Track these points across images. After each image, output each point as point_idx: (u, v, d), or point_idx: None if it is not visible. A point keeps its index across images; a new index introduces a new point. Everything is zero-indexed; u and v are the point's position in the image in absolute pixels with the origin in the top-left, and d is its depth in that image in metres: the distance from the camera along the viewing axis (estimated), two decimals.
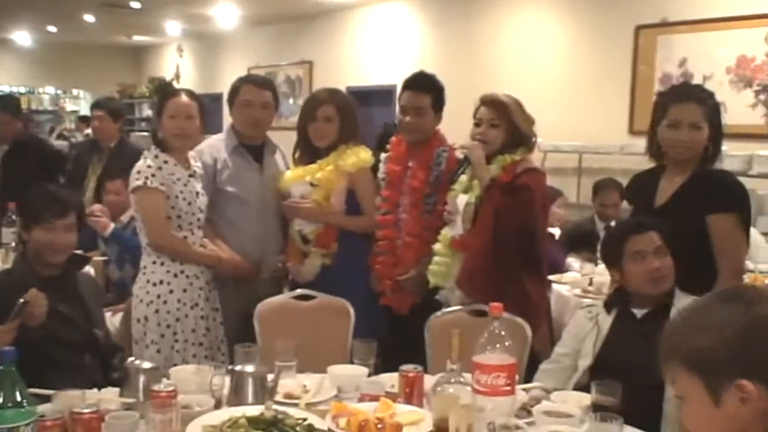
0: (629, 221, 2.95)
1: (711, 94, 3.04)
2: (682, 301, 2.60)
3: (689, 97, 2.92)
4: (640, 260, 2.67)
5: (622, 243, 2.73)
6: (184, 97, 3.37)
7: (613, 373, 2.33)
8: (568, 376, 2.68)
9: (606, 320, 2.71)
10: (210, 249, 3.45)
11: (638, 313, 2.68)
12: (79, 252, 3.16)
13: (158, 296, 3.28)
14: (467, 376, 2.10)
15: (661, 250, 2.66)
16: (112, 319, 3.85)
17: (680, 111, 2.89)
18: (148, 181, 3.23)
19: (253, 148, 3.69)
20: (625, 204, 4.52)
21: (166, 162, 3.30)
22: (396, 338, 3.33)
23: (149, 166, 3.27)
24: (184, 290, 3.31)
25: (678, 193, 2.93)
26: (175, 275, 3.31)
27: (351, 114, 3.63)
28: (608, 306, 2.76)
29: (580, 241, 5.15)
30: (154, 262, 3.32)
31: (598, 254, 4.87)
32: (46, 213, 2.86)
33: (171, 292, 3.29)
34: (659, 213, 2.92)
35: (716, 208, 2.82)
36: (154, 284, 3.29)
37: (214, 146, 3.65)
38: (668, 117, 2.91)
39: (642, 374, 2.50)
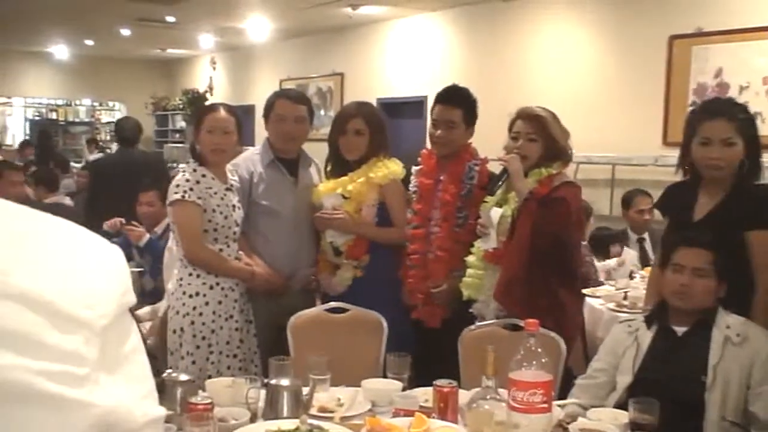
0: (687, 232, 2.87)
1: (743, 108, 3.00)
2: (725, 320, 2.56)
3: (719, 113, 2.88)
4: (677, 272, 2.64)
5: (672, 250, 2.71)
6: (222, 112, 3.41)
7: (651, 391, 2.31)
8: (605, 392, 2.64)
9: (646, 335, 2.66)
10: (244, 262, 3.48)
11: (679, 330, 2.62)
12: None
13: (194, 308, 3.31)
14: (503, 392, 2.09)
15: (701, 271, 2.61)
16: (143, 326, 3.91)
17: (710, 128, 2.85)
18: (186, 195, 3.27)
19: (288, 161, 3.72)
20: (657, 215, 4.48)
21: (203, 176, 3.34)
22: (428, 352, 3.33)
23: (187, 180, 3.31)
24: (219, 302, 3.34)
25: (717, 208, 2.89)
26: (211, 287, 3.34)
27: (380, 127, 3.65)
28: (649, 320, 2.71)
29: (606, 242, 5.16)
30: (191, 274, 3.35)
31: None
32: None
33: (206, 304, 3.32)
34: (697, 228, 2.89)
35: (756, 224, 2.78)
36: (190, 296, 3.32)
37: (250, 160, 3.68)
38: (699, 134, 2.88)
39: (682, 393, 2.46)
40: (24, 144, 13.39)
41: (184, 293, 3.34)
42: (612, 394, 2.61)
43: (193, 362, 3.27)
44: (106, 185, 6.04)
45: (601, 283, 4.66)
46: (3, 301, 0.62)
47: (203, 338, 3.30)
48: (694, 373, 2.49)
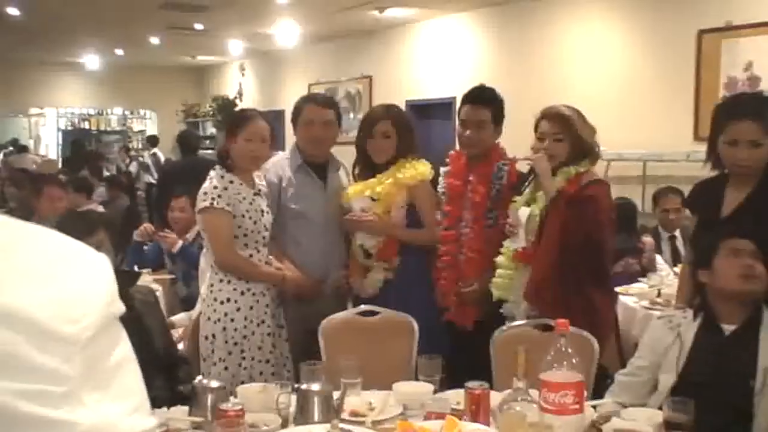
0: (727, 227, 2.78)
1: None
2: None
3: (746, 114, 2.80)
4: (734, 257, 2.54)
5: (718, 240, 2.60)
6: (261, 122, 3.44)
7: (697, 394, 2.22)
8: (646, 390, 2.58)
9: (689, 332, 2.58)
10: (275, 267, 3.50)
11: (726, 329, 2.53)
12: (126, 269, 3.19)
13: (225, 314, 3.33)
14: (534, 393, 2.08)
15: (757, 255, 2.53)
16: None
17: (737, 129, 2.79)
18: (215, 202, 3.29)
19: (317, 165, 3.73)
20: (687, 212, 4.43)
21: (231, 182, 3.36)
22: (460, 354, 3.32)
23: (215, 187, 3.33)
24: (251, 308, 3.35)
25: (745, 203, 2.84)
26: (242, 293, 3.35)
27: (408, 128, 3.65)
28: (695, 311, 2.61)
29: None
30: (221, 281, 3.36)
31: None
32: (73, 234, 2.86)
33: (238, 309, 3.34)
34: (725, 224, 2.84)
35: None
36: (222, 302, 3.34)
37: (279, 165, 3.70)
38: (726, 134, 2.82)
39: (729, 396, 2.37)
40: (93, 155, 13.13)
41: (215, 299, 3.36)
42: (655, 395, 2.55)
43: (226, 368, 3.28)
44: (173, 187, 6.17)
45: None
46: None
47: (235, 344, 3.32)
48: (742, 376, 2.41)
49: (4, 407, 0.60)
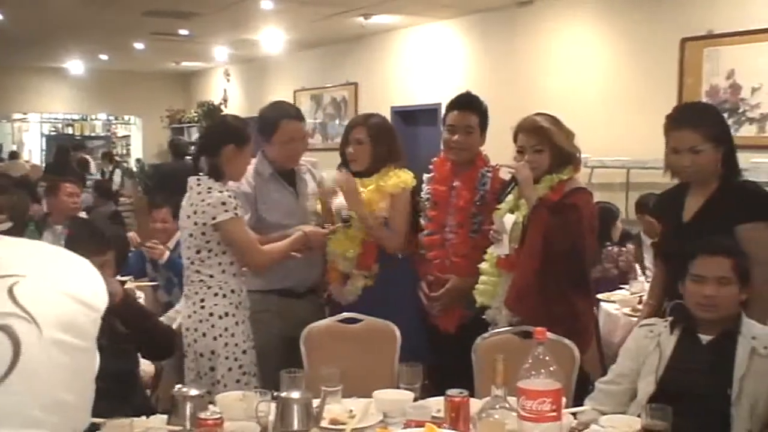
0: (705, 240, 2.74)
1: (712, 114, 3.11)
2: (750, 330, 2.48)
3: (683, 123, 2.96)
4: (697, 284, 2.55)
5: (690, 260, 2.61)
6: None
7: (675, 403, 2.21)
8: (627, 398, 2.58)
9: (668, 341, 2.58)
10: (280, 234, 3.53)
11: (704, 338, 2.54)
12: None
13: (226, 329, 3.25)
14: (513, 400, 2.08)
15: (725, 280, 2.52)
16: None
17: (677, 138, 2.94)
18: (237, 212, 3.25)
19: (286, 173, 3.73)
20: None
21: (228, 191, 3.33)
22: (443, 359, 3.32)
23: (229, 197, 3.26)
24: (243, 321, 3.32)
25: (705, 207, 2.93)
26: (236, 306, 3.30)
27: (385, 136, 3.65)
28: (673, 325, 2.62)
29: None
30: (216, 295, 3.27)
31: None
32: (84, 250, 2.83)
33: (236, 324, 3.28)
34: (687, 228, 2.91)
35: (745, 217, 2.81)
36: (220, 317, 3.25)
37: (250, 173, 3.62)
38: (669, 143, 2.98)
39: (707, 406, 2.38)
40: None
41: (211, 315, 3.24)
42: (634, 403, 2.54)
43: (225, 385, 3.16)
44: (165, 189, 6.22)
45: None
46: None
47: (236, 359, 3.24)
48: (720, 385, 2.42)
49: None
